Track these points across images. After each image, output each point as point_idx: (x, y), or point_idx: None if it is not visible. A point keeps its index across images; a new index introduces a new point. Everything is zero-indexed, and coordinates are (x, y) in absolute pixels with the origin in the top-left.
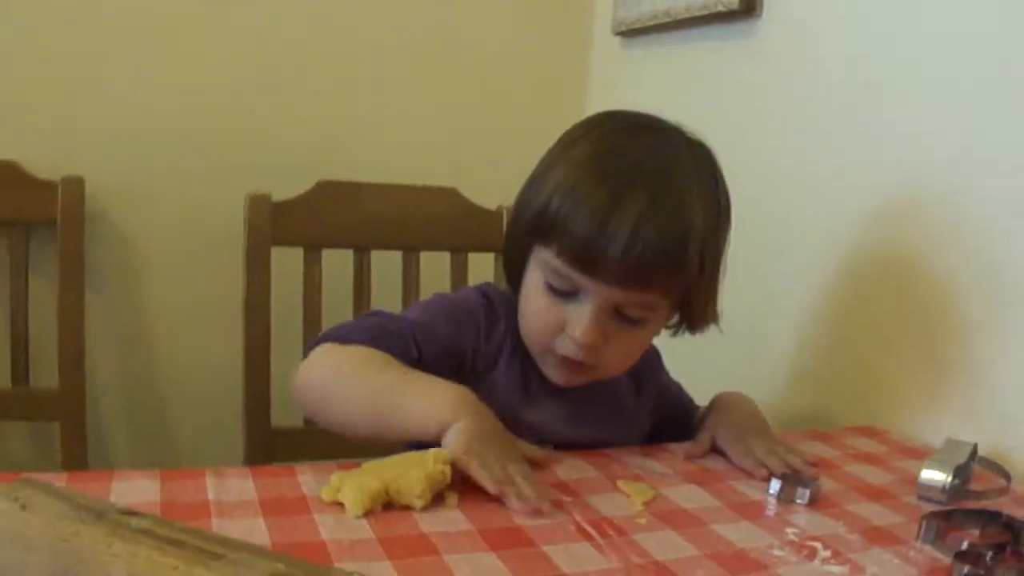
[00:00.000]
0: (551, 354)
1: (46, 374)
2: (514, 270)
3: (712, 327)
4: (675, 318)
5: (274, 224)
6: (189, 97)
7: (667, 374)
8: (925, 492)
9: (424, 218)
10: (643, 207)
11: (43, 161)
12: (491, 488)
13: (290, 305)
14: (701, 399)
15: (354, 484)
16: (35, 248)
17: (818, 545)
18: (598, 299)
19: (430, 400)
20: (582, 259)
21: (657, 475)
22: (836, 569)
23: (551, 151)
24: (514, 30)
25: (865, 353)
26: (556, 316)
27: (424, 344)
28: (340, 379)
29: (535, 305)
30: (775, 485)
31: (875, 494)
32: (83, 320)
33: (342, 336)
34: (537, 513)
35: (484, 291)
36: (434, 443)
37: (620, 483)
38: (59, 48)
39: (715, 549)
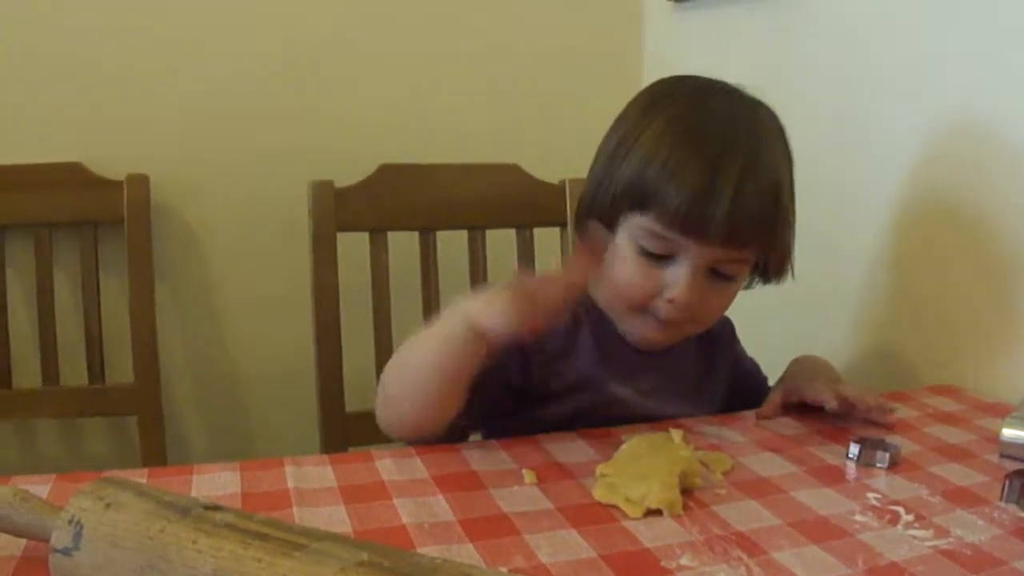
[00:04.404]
0: (642, 316)
1: (121, 370)
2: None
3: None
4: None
5: (338, 210)
6: (247, 88)
7: (741, 346)
8: (1007, 450)
9: (487, 196)
10: (741, 167)
11: (107, 161)
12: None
13: (359, 290)
14: (775, 365)
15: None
16: (104, 247)
17: (900, 509)
18: (696, 260)
19: (451, 316)
20: (686, 222)
21: (735, 444)
22: (919, 533)
23: (624, 122)
24: (567, 2)
25: (940, 310)
26: (651, 279)
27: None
28: (397, 374)
29: (628, 271)
30: (854, 449)
31: (956, 454)
32: (154, 315)
33: None
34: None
35: None
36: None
37: (699, 454)
38: (115, 49)
39: (796, 517)
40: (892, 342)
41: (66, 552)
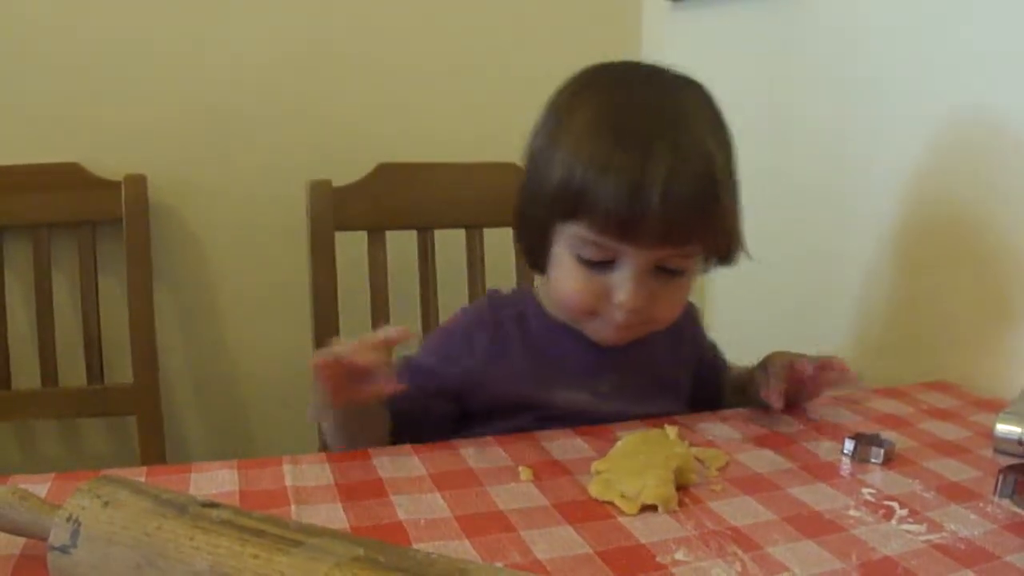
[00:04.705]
0: (597, 320)
1: (120, 371)
2: (536, 252)
3: (743, 256)
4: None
5: (336, 210)
6: (245, 87)
7: (704, 330)
8: (1001, 446)
9: (485, 195)
10: (670, 161)
11: (104, 161)
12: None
13: (357, 290)
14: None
15: (648, 484)
16: (102, 247)
17: (894, 504)
18: (638, 261)
19: None
20: (619, 227)
21: (730, 440)
22: (913, 527)
23: (546, 120)
24: (565, 1)
25: (935, 306)
26: (596, 287)
27: (426, 382)
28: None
29: (571, 282)
30: (849, 445)
31: (950, 450)
32: (153, 315)
33: None
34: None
35: (474, 307)
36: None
37: (694, 450)
38: (112, 49)
39: (791, 512)
40: (887, 338)
41: (64, 550)
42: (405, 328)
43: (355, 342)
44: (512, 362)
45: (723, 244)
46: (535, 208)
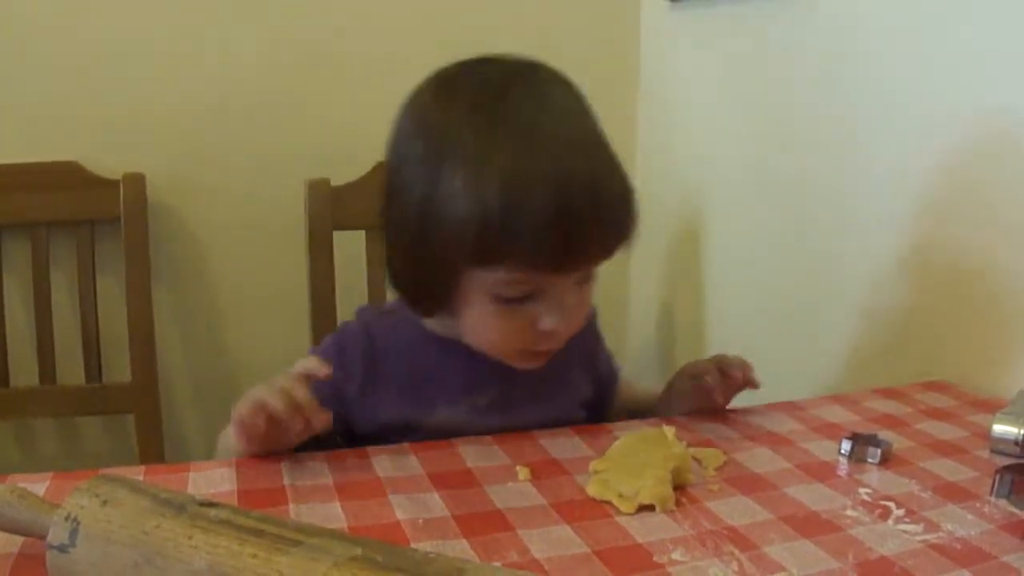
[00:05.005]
0: (519, 354)
1: (118, 369)
2: (432, 297)
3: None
4: None
5: (334, 209)
6: (243, 86)
7: (599, 331)
8: (998, 446)
9: None
10: (588, 178)
11: (103, 160)
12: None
13: (355, 288)
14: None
15: (646, 483)
16: (100, 246)
17: (891, 504)
18: (564, 286)
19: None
20: (551, 265)
21: (727, 440)
22: (910, 527)
23: (421, 148)
24: (564, 1)
25: (933, 305)
26: (521, 322)
27: None
28: (217, 449)
29: (492, 324)
30: (846, 445)
31: (947, 450)
32: (152, 314)
33: None
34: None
35: (340, 332)
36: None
37: (692, 450)
38: (111, 48)
39: (788, 512)
40: (884, 338)
41: (63, 549)
42: (327, 366)
43: (279, 386)
44: (388, 382)
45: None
46: (431, 257)
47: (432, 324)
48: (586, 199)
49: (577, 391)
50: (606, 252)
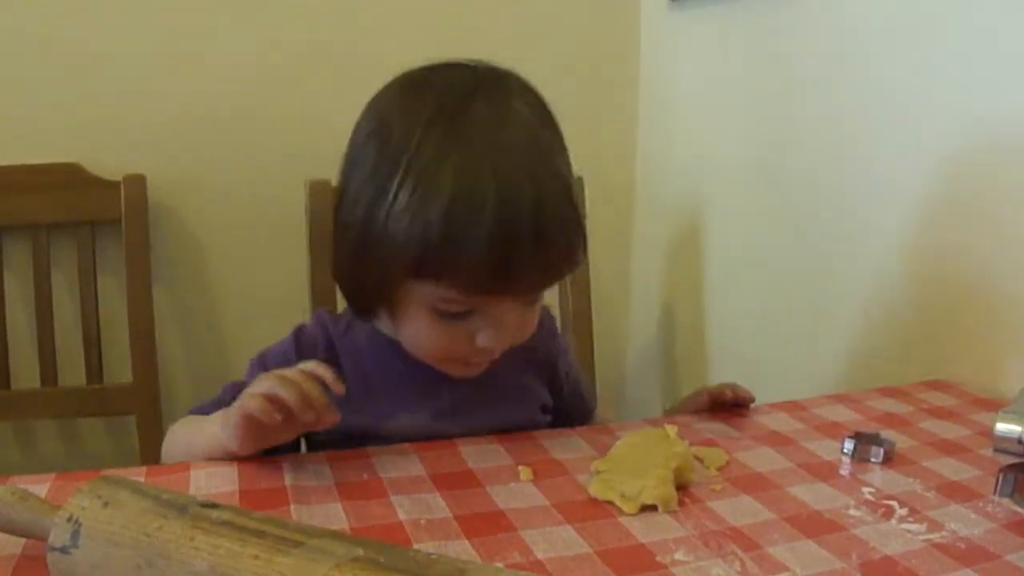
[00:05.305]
0: (453, 363)
1: (119, 370)
2: (374, 303)
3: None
4: None
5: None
6: (244, 87)
7: (562, 342)
8: (1001, 445)
9: None
10: (533, 205)
11: (104, 161)
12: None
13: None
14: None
15: (648, 483)
16: (101, 247)
17: (894, 503)
18: (504, 306)
19: (208, 430)
20: (489, 288)
21: (730, 439)
22: (914, 527)
23: (373, 149)
24: (563, 1)
25: (935, 304)
26: (457, 336)
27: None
28: (167, 451)
29: (428, 335)
30: (848, 444)
31: (950, 449)
32: (152, 315)
33: (193, 410)
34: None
35: (296, 333)
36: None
37: (694, 449)
38: (112, 50)
39: (791, 512)
40: (887, 337)
41: (64, 550)
42: (337, 376)
43: (289, 379)
44: (349, 387)
45: (580, 260)
46: (373, 263)
47: (385, 328)
48: (528, 228)
49: (534, 397)
50: (545, 280)
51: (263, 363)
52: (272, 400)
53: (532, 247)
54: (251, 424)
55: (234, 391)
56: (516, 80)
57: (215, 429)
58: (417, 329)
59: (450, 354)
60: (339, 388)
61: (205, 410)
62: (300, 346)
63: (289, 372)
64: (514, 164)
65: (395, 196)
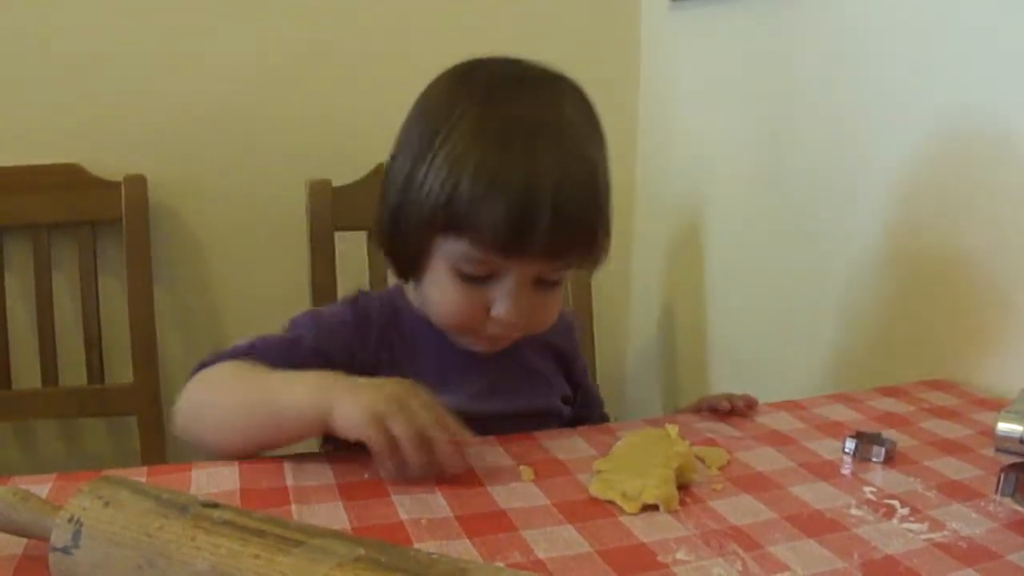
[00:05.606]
0: (471, 334)
1: (120, 370)
2: (408, 263)
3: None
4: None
5: (336, 209)
6: (244, 88)
7: (579, 345)
8: (1002, 444)
9: None
10: (556, 176)
11: (104, 162)
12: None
13: (357, 289)
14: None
15: (649, 483)
16: (102, 247)
17: (895, 503)
18: (520, 277)
19: (298, 385)
20: (505, 246)
21: (731, 439)
22: (915, 526)
23: (419, 129)
24: (564, 1)
25: (936, 303)
26: (476, 301)
27: (295, 358)
28: (210, 400)
29: (448, 296)
30: (850, 444)
31: (951, 448)
32: (153, 315)
33: (215, 361)
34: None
35: (353, 299)
36: (312, 433)
37: (695, 449)
38: (112, 50)
39: (792, 511)
40: (888, 336)
41: (66, 551)
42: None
43: (433, 416)
44: (395, 360)
45: (601, 252)
46: (409, 220)
47: (415, 300)
48: (548, 197)
49: (558, 387)
50: (560, 251)
51: (315, 323)
52: (423, 443)
53: (550, 217)
54: (378, 439)
55: (267, 346)
56: (565, 78)
57: (300, 399)
58: (439, 289)
59: (467, 320)
60: (469, 441)
61: (222, 360)
62: (358, 315)
63: (422, 404)
64: (548, 142)
65: (432, 159)
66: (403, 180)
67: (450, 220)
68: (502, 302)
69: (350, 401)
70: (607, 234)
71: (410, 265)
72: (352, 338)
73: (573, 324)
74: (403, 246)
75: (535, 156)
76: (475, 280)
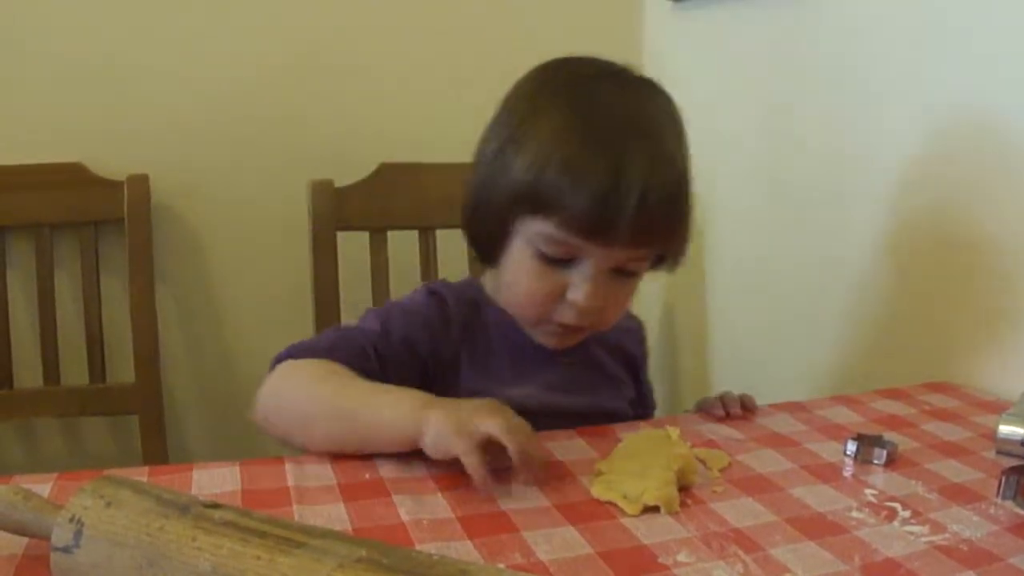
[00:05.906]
0: (547, 323)
1: (122, 370)
2: (490, 245)
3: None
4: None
5: (338, 209)
6: (247, 87)
7: (647, 352)
8: (1004, 447)
9: None
10: (644, 166)
11: (107, 161)
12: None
13: (359, 289)
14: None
15: (650, 485)
16: (104, 246)
17: (897, 505)
18: (600, 262)
19: (396, 405)
20: (590, 227)
21: (732, 441)
22: (916, 529)
23: (509, 118)
24: (566, 1)
25: (937, 307)
26: (553, 284)
27: (382, 350)
28: (297, 399)
29: (528, 277)
30: (851, 446)
31: (952, 451)
32: (155, 314)
33: (299, 353)
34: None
35: (433, 290)
36: (401, 449)
37: (696, 451)
38: (115, 49)
39: (793, 514)
40: (889, 339)
41: (67, 550)
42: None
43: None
44: (475, 351)
45: (681, 248)
46: (494, 202)
47: (505, 307)
48: (634, 187)
49: (627, 389)
50: (640, 242)
51: (401, 313)
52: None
53: (636, 204)
54: (479, 466)
55: (352, 339)
56: (653, 85)
57: (399, 417)
58: (518, 270)
59: (542, 304)
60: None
61: (308, 355)
62: (440, 306)
63: (512, 422)
64: (639, 132)
65: (523, 141)
66: (491, 159)
67: (536, 199)
68: (579, 287)
69: (440, 415)
70: (687, 233)
71: (492, 246)
72: (436, 329)
73: (643, 330)
74: (487, 226)
75: (626, 145)
76: (554, 263)
